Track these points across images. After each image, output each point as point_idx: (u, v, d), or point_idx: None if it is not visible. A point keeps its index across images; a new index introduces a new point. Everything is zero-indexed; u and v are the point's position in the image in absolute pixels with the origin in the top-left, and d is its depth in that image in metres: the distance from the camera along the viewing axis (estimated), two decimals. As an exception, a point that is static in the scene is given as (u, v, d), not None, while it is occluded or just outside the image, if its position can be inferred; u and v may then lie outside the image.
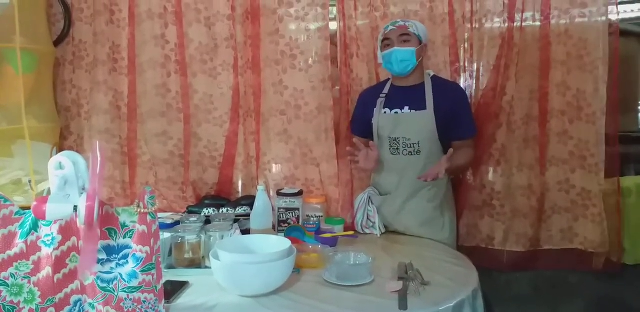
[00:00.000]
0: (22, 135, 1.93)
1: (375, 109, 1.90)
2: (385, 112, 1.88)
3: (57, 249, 1.02)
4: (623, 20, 2.19)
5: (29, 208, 1.00)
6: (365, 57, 2.08)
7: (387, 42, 1.85)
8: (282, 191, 1.93)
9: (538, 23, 1.95)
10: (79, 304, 1.06)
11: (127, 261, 1.05)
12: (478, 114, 1.98)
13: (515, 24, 1.94)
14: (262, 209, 1.76)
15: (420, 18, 2.03)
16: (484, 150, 2.01)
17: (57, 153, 1.24)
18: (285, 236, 1.62)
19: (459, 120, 1.84)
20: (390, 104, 1.88)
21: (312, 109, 2.04)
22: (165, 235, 1.51)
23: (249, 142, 2.16)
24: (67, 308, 1.04)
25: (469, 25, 2.02)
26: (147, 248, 1.04)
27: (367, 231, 1.90)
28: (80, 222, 0.98)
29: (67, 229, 1.03)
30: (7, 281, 1.01)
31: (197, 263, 1.49)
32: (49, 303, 1.02)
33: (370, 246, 1.72)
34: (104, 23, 2.14)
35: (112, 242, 1.06)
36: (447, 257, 1.59)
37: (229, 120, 2.13)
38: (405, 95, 1.87)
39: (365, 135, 1.94)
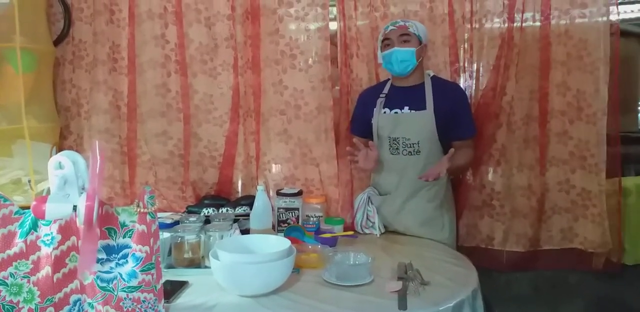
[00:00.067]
0: (21, 134, 1.93)
1: (375, 109, 1.90)
2: (385, 112, 1.88)
3: (56, 248, 1.02)
4: (623, 21, 2.19)
5: (28, 208, 1.00)
6: (365, 57, 2.08)
7: (387, 42, 1.85)
8: (282, 191, 1.93)
9: (538, 23, 1.95)
10: (78, 303, 1.06)
11: (126, 260, 1.05)
12: (478, 114, 1.98)
13: (515, 24, 1.94)
14: (262, 209, 1.76)
15: (420, 18, 2.03)
16: (484, 151, 2.01)
17: (56, 153, 1.24)
18: (285, 235, 1.62)
19: (459, 120, 1.84)
20: (390, 104, 1.88)
21: (311, 109, 2.04)
22: (165, 235, 1.51)
23: (248, 142, 2.16)
24: (67, 308, 1.04)
25: (469, 26, 2.03)
26: (147, 248, 1.04)
27: (367, 231, 1.90)
28: (79, 222, 0.98)
29: (67, 229, 1.03)
30: (6, 281, 1.01)
31: (196, 263, 1.49)
32: (48, 303, 1.02)
33: (370, 246, 1.72)
34: (103, 23, 2.14)
35: (111, 242, 1.05)
36: (446, 257, 1.59)
37: (228, 120, 2.13)
38: (405, 96, 1.87)
39: (365, 135, 1.94)
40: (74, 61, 2.24)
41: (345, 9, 2.05)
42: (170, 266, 1.49)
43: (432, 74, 1.92)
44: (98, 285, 1.05)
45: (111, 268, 1.05)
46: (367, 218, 1.89)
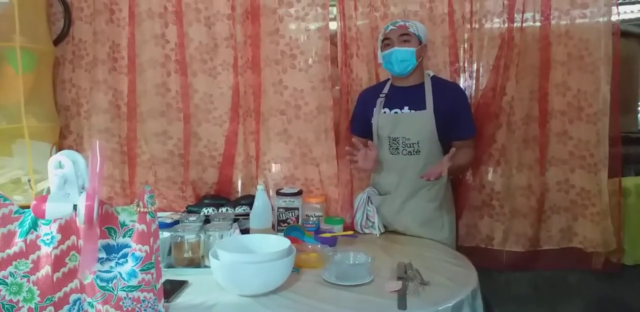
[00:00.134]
0: (21, 134, 1.93)
1: (374, 109, 1.90)
2: (384, 112, 1.88)
3: (56, 248, 1.02)
4: (623, 21, 2.19)
5: (28, 207, 1.00)
6: (365, 57, 2.08)
7: (387, 42, 1.85)
8: (282, 191, 1.93)
9: (538, 23, 1.95)
10: (78, 303, 1.06)
11: (126, 260, 1.05)
12: (478, 114, 1.98)
13: (515, 24, 1.94)
14: (262, 209, 1.76)
15: (420, 18, 2.03)
16: (484, 151, 2.01)
17: (56, 152, 1.24)
18: (285, 235, 1.62)
19: (459, 120, 1.84)
20: (390, 103, 1.88)
21: (311, 108, 2.04)
22: (165, 234, 1.51)
23: (248, 141, 2.16)
24: (66, 307, 1.04)
25: (469, 26, 2.03)
26: (147, 247, 1.04)
27: (367, 231, 1.90)
28: (79, 221, 0.98)
29: (67, 228, 1.03)
30: (6, 280, 1.01)
31: (196, 262, 1.49)
32: (48, 302, 1.02)
33: (370, 245, 1.72)
34: (103, 22, 2.14)
35: (111, 241, 1.05)
36: (446, 257, 1.59)
37: (228, 120, 2.13)
38: (404, 95, 1.87)
39: (365, 135, 1.95)
40: (74, 61, 2.24)
41: (345, 9, 2.05)
42: (170, 266, 1.49)
43: (432, 74, 1.92)
44: (98, 284, 1.05)
45: (111, 267, 1.05)
46: (366, 218, 1.90)
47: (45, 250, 1.02)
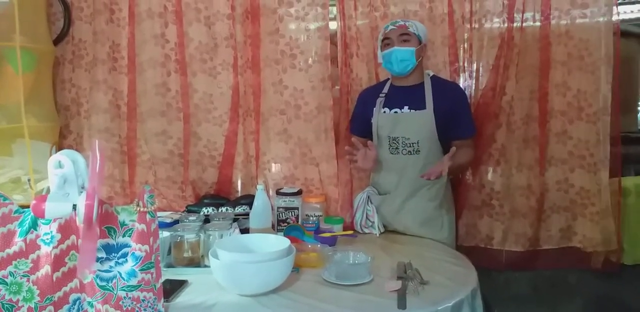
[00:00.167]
0: (21, 134, 1.93)
1: (374, 109, 1.90)
2: (384, 112, 1.88)
3: (56, 247, 1.02)
4: (623, 21, 2.19)
5: (28, 206, 1.00)
6: (365, 56, 2.08)
7: (387, 42, 1.85)
8: (282, 190, 1.93)
9: (538, 23, 1.95)
10: (77, 302, 1.06)
11: (126, 259, 1.05)
12: (478, 114, 1.98)
13: (515, 24, 1.94)
14: (262, 208, 1.76)
15: (420, 18, 2.03)
16: (484, 150, 2.02)
17: (56, 152, 1.24)
18: (285, 235, 1.62)
19: (459, 119, 1.84)
20: (390, 103, 1.88)
21: (311, 108, 2.04)
22: (165, 234, 1.51)
23: (248, 141, 2.16)
24: (66, 307, 1.04)
25: (469, 26, 2.03)
26: (147, 247, 1.04)
27: (366, 231, 1.90)
28: (79, 221, 0.98)
29: (67, 228, 1.03)
30: (6, 280, 1.01)
31: (196, 262, 1.49)
32: (47, 302, 1.02)
33: (370, 245, 1.72)
34: (103, 22, 2.14)
35: (111, 241, 1.05)
36: (446, 257, 1.59)
37: (228, 120, 2.13)
38: (404, 95, 1.87)
39: (365, 134, 1.95)
40: (74, 60, 2.24)
41: (345, 8, 2.05)
42: (169, 265, 1.49)
43: (431, 74, 1.92)
44: (97, 284, 1.05)
45: (111, 267, 1.05)
46: (366, 217, 1.90)
47: (45, 249, 1.02)
